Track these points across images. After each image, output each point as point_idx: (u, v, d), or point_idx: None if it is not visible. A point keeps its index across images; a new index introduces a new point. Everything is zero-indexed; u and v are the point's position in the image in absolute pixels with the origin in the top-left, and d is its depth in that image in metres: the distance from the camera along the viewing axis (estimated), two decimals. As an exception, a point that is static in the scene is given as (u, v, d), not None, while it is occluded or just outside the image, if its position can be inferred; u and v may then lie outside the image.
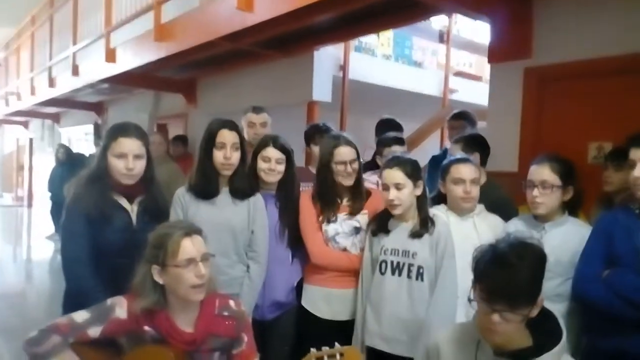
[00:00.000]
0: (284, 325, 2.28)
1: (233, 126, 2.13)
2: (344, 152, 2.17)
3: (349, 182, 2.17)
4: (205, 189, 2.11)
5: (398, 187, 1.96)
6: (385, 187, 1.99)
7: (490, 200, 2.21)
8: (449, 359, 1.41)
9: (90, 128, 9.19)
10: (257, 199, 2.18)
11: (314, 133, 2.84)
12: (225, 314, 1.61)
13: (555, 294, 1.78)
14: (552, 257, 1.76)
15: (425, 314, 1.90)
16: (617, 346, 1.58)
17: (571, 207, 1.98)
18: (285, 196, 2.29)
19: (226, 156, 2.07)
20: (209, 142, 2.10)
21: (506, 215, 2.15)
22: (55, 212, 7.22)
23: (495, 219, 2.12)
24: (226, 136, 2.09)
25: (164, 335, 1.52)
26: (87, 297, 1.76)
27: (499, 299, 1.24)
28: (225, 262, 2.07)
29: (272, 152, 2.23)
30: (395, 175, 1.97)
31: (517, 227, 1.98)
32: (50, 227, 7.69)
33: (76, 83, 6.16)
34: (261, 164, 2.24)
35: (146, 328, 1.53)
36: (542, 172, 1.92)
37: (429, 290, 1.93)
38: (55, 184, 6.97)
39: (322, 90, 4.37)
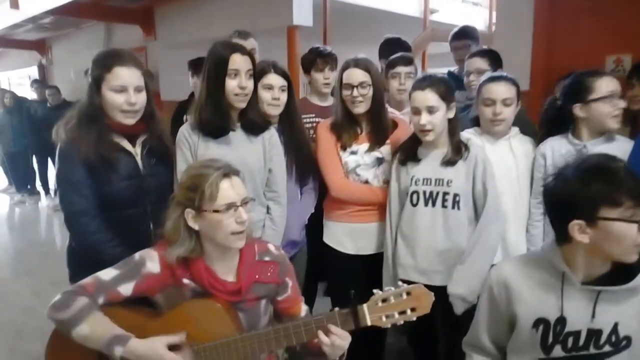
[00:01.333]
0: (297, 264, 2.14)
1: (245, 50, 1.83)
2: (349, 75, 1.98)
3: (358, 109, 1.99)
4: (218, 125, 1.82)
5: (431, 110, 1.79)
6: (416, 111, 1.81)
7: (518, 124, 2.09)
8: (525, 292, 1.30)
9: (34, 71, 8.38)
10: (272, 134, 1.95)
11: (315, 58, 2.56)
12: (267, 259, 1.46)
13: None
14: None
15: (466, 241, 1.81)
16: None
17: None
18: (290, 129, 2.08)
19: (242, 85, 1.78)
20: (221, 70, 1.78)
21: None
22: (10, 164, 6.69)
23: (529, 142, 2.00)
24: (240, 62, 1.78)
25: (206, 287, 1.35)
26: (100, 253, 1.57)
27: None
28: None
29: (274, 78, 1.99)
30: (428, 97, 1.79)
31: (553, 148, 1.88)
32: (3, 180, 7.16)
33: (15, 17, 5.46)
34: (263, 94, 1.99)
35: (185, 281, 1.35)
36: (611, 83, 1.77)
37: (466, 219, 1.83)
38: (5, 134, 6.39)
39: (303, 13, 4.04)
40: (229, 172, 1.33)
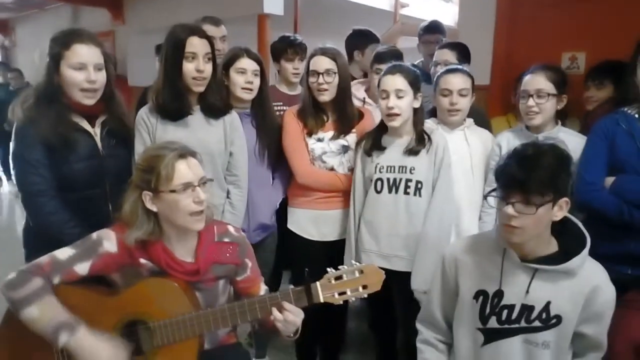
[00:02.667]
0: (267, 248, 2.20)
1: (203, 33, 1.84)
2: (316, 62, 2.01)
3: (324, 97, 2.02)
4: (175, 109, 1.83)
5: (399, 94, 1.84)
6: (385, 95, 1.86)
7: (472, 116, 2.17)
8: (470, 267, 1.39)
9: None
10: (234, 117, 1.96)
11: (285, 47, 2.57)
12: (226, 240, 1.48)
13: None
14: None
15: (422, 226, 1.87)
16: (622, 251, 1.63)
17: (560, 118, 1.97)
18: (262, 114, 2.10)
19: (199, 68, 1.79)
20: (177, 52, 1.79)
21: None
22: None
23: (485, 133, 2.08)
24: (197, 45, 1.79)
25: (163, 267, 1.36)
26: (59, 234, 1.56)
27: (513, 189, 1.23)
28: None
29: (247, 62, 2.01)
30: (397, 81, 1.84)
31: (508, 139, 1.96)
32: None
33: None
34: (236, 78, 2.01)
35: (142, 261, 1.37)
36: (538, 81, 1.88)
37: (427, 205, 1.89)
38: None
39: (273, 2, 4.04)
40: (185, 153, 1.35)
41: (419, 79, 1.90)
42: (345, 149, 2.08)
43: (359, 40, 2.88)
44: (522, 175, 1.22)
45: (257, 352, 2.44)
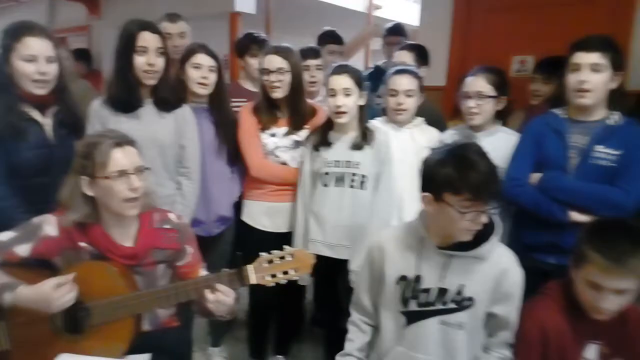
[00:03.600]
0: (225, 240, 2.27)
1: (155, 28, 1.91)
2: (268, 60, 2.08)
3: (276, 94, 2.09)
4: (125, 101, 1.90)
5: (346, 92, 1.93)
6: (333, 94, 1.95)
7: (427, 115, 2.26)
8: (394, 254, 1.47)
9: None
10: (186, 111, 2.03)
11: (249, 43, 2.64)
12: (167, 227, 1.54)
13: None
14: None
15: (366, 218, 1.96)
16: (545, 241, 1.74)
17: (500, 117, 2.07)
18: (220, 109, 2.16)
19: (149, 62, 1.86)
20: (128, 46, 1.86)
21: (439, 130, 2.21)
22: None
23: (433, 131, 2.17)
24: (148, 39, 1.86)
25: (102, 251, 1.43)
26: (9, 219, 1.60)
27: (483, 197, 1.28)
28: (153, 180, 1.89)
29: (203, 58, 2.08)
30: (344, 80, 1.94)
31: (452, 137, 2.06)
32: None
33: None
34: (192, 73, 2.07)
35: (82, 244, 1.43)
36: (478, 83, 1.98)
37: (370, 198, 1.98)
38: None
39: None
40: (121, 141, 1.41)
41: (362, 79, 2.00)
42: (297, 144, 2.15)
43: (320, 41, 2.99)
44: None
45: (213, 341, 2.51)
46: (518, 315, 1.41)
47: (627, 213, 1.60)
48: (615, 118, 1.69)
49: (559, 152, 1.73)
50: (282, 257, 1.41)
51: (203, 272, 1.62)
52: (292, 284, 1.76)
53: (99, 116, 1.89)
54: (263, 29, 4.40)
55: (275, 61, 2.08)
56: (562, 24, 2.49)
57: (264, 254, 1.41)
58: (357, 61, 5.06)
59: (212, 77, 2.09)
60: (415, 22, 3.36)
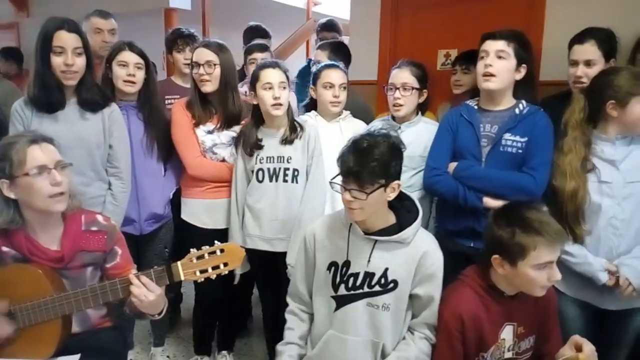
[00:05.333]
0: (161, 239, 2.26)
1: (73, 27, 1.85)
2: (197, 54, 2.10)
3: (205, 87, 2.10)
4: (45, 101, 1.85)
5: (282, 86, 1.98)
6: (269, 86, 1.97)
7: (354, 108, 2.34)
8: (325, 242, 1.55)
9: None
10: (113, 110, 2.00)
11: (176, 39, 2.63)
12: (94, 228, 1.54)
13: (408, 185, 2.01)
14: (406, 153, 1.99)
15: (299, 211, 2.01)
16: (465, 227, 1.84)
17: (421, 109, 2.18)
18: (149, 107, 2.15)
19: (67, 62, 1.81)
20: (45, 46, 1.81)
21: (365, 121, 2.30)
22: None
23: (359, 123, 2.25)
24: (65, 39, 1.82)
25: (27, 255, 1.41)
26: None
27: (349, 178, 1.40)
28: (81, 181, 1.89)
29: (129, 55, 2.06)
30: (280, 74, 1.99)
31: (377, 128, 2.14)
32: None
33: None
34: (118, 71, 2.05)
35: (4, 249, 1.40)
36: (403, 75, 2.07)
37: (302, 191, 2.03)
38: None
39: (180, -5, 4.05)
40: (37, 139, 1.39)
41: (290, 75, 2.05)
42: (235, 140, 2.17)
43: (247, 36, 3.02)
44: (356, 167, 1.39)
45: (155, 341, 2.50)
46: (439, 295, 1.51)
47: (536, 197, 1.73)
48: (521, 107, 1.83)
49: (471, 141, 1.85)
50: (212, 253, 1.43)
51: (134, 272, 1.62)
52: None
53: (22, 117, 1.84)
54: (200, 25, 4.37)
55: (204, 54, 2.09)
56: (481, 19, 2.62)
57: (193, 250, 1.43)
58: (298, 56, 5.12)
59: (140, 75, 2.08)
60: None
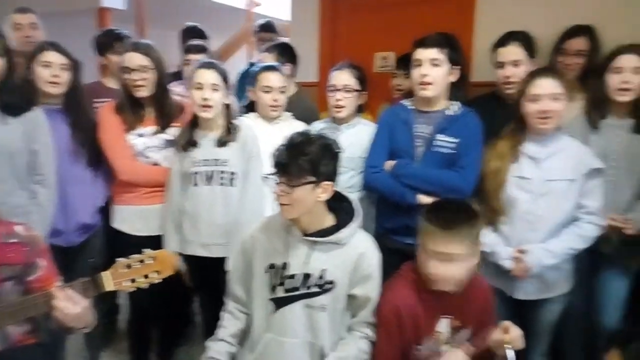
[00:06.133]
0: (90, 250, 2.15)
1: None
2: (129, 59, 2.03)
3: (141, 93, 2.04)
4: None
5: (214, 88, 1.93)
6: (199, 87, 1.93)
7: (301, 109, 2.34)
8: (264, 244, 1.53)
9: None
10: (36, 115, 1.89)
11: (111, 41, 2.54)
12: (13, 240, 1.43)
13: (349, 186, 2.03)
14: (346, 154, 2.01)
15: (238, 215, 1.97)
16: (402, 224, 1.88)
17: (359, 110, 2.21)
18: (76, 110, 2.05)
19: None
20: None
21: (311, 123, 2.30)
22: None
23: (300, 125, 2.24)
24: None
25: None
26: None
27: (279, 171, 1.40)
28: (2, 189, 1.78)
29: (53, 56, 1.96)
30: (212, 76, 1.94)
31: (317, 129, 2.15)
32: None
33: None
34: (41, 72, 1.94)
35: None
36: (344, 77, 2.09)
37: (240, 194, 2.00)
38: None
39: (113, -6, 3.90)
40: None
41: (228, 77, 2.01)
42: (168, 143, 2.10)
43: (184, 37, 2.96)
44: (285, 160, 1.39)
45: (90, 356, 2.38)
46: (378, 295, 1.52)
47: (466, 195, 1.80)
48: (454, 108, 1.89)
49: (407, 141, 1.89)
50: (141, 261, 1.37)
51: (58, 284, 1.53)
52: (174, 289, 1.76)
53: None
54: (134, 26, 4.23)
55: (136, 59, 2.02)
56: (416, 22, 2.70)
57: (121, 259, 1.37)
58: (242, 57, 5.06)
59: (65, 76, 1.98)
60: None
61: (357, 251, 1.49)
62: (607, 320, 1.95)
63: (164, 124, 2.10)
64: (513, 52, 2.02)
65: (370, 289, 1.51)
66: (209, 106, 1.94)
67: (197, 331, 2.71)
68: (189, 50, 2.66)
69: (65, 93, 2.00)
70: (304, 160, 1.38)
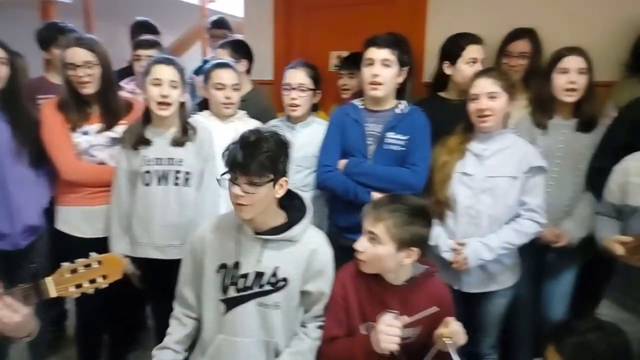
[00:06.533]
0: (37, 252, 2.06)
1: None
2: (72, 54, 1.95)
3: (87, 90, 1.97)
4: None
5: (172, 85, 1.88)
6: (158, 83, 1.87)
7: (258, 108, 2.32)
8: (214, 244, 1.51)
9: None
10: None
11: (53, 34, 2.43)
12: None
13: (304, 184, 2.04)
14: (301, 153, 2.03)
15: (193, 215, 1.94)
16: (355, 222, 1.85)
17: (313, 109, 2.22)
18: (15, 108, 1.95)
19: None
20: None
21: (267, 121, 2.28)
22: None
23: (255, 124, 2.22)
24: None
25: None
26: None
27: (237, 171, 1.38)
28: None
29: None
30: (172, 72, 1.89)
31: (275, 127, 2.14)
32: None
33: None
34: None
35: None
36: (298, 76, 2.09)
37: (195, 194, 1.96)
38: None
39: (58, -15, 3.73)
40: None
41: (185, 74, 1.97)
42: (114, 141, 2.04)
43: (135, 32, 2.88)
44: (245, 160, 1.36)
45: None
46: (330, 290, 1.53)
47: (418, 190, 1.84)
48: (402, 107, 1.93)
49: (358, 140, 1.92)
50: (87, 265, 1.32)
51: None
52: (124, 292, 1.70)
53: None
54: (82, 19, 4.06)
55: (80, 54, 1.94)
56: (370, 22, 2.73)
57: (65, 264, 1.31)
58: (194, 54, 4.95)
59: (3, 71, 1.88)
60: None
61: (310, 247, 1.50)
62: (553, 313, 2.05)
63: (110, 121, 2.03)
64: (475, 50, 2.10)
65: (324, 284, 1.52)
66: (167, 103, 1.88)
67: (150, 335, 2.64)
68: (139, 45, 2.58)
69: (2, 89, 1.90)
70: (264, 158, 1.37)
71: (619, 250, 1.51)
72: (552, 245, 1.93)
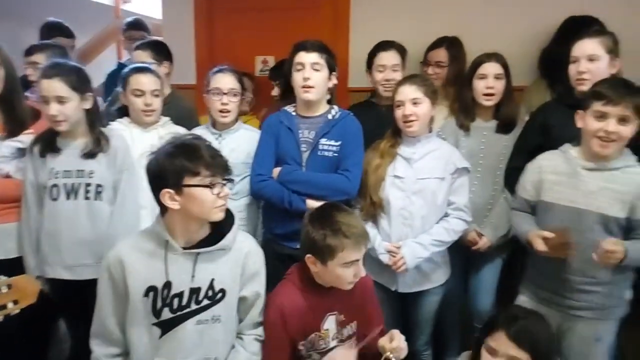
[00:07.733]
0: None
1: None
2: None
3: None
4: None
5: (60, 100, 1.73)
6: (46, 100, 1.73)
7: (177, 112, 2.22)
8: (136, 266, 1.37)
9: None
10: None
11: None
12: None
13: (234, 192, 1.96)
14: (229, 160, 1.95)
15: (107, 231, 1.81)
16: (292, 229, 1.84)
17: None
18: None
19: None
20: None
21: (190, 126, 2.18)
22: None
23: (180, 130, 2.11)
24: None
25: None
26: None
27: (219, 169, 1.36)
28: None
29: None
30: (56, 86, 1.73)
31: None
32: None
33: None
34: None
35: None
36: (229, 80, 2.03)
37: (109, 208, 1.83)
38: None
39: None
40: None
41: (83, 78, 1.82)
42: (21, 152, 1.86)
43: (46, 34, 2.66)
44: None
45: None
46: (264, 291, 1.51)
47: (352, 196, 1.86)
48: (333, 112, 1.94)
49: (292, 147, 1.89)
50: (-6, 290, 1.18)
51: None
52: (36, 312, 1.52)
53: None
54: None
55: None
56: (295, 27, 2.72)
57: (-32, 290, 1.16)
58: (109, 56, 4.66)
59: None
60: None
61: (243, 252, 1.46)
62: (480, 305, 2.15)
63: (14, 129, 1.85)
64: (394, 57, 2.19)
65: (258, 285, 1.49)
66: (60, 121, 1.75)
67: (65, 355, 2.42)
68: (29, 52, 2.34)
69: None
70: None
71: (541, 246, 1.61)
72: (472, 248, 2.03)
